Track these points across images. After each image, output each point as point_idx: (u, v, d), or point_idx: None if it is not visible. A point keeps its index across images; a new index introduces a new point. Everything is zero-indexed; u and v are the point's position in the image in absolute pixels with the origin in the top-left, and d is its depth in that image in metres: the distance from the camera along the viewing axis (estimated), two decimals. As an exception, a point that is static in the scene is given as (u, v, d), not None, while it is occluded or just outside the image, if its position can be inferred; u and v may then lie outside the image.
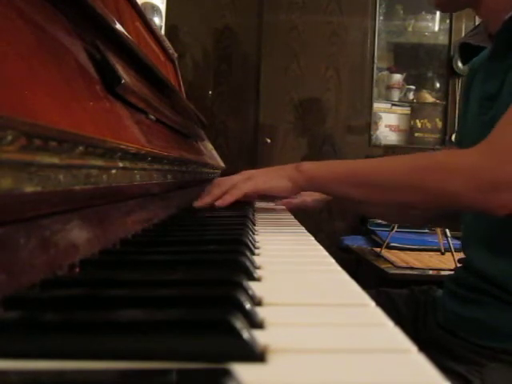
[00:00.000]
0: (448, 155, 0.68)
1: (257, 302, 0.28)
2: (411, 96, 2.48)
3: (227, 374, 0.17)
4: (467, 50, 0.85)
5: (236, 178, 0.78)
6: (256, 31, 2.35)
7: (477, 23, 0.84)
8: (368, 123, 2.39)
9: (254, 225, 0.67)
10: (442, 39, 2.46)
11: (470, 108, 0.82)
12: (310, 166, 0.74)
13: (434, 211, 0.90)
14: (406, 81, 2.48)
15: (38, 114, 0.28)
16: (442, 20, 2.47)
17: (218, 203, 0.76)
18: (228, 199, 0.76)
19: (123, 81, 0.48)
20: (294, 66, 2.35)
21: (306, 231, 0.66)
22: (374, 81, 2.39)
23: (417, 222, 1.02)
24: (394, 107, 2.45)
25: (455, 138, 0.96)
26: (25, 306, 0.25)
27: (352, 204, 0.84)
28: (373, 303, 0.29)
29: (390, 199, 0.70)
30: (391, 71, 2.46)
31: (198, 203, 0.79)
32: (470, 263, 0.76)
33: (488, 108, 0.73)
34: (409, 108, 2.46)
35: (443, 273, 1.37)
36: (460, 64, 2.35)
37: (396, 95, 2.44)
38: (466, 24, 2.37)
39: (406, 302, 0.88)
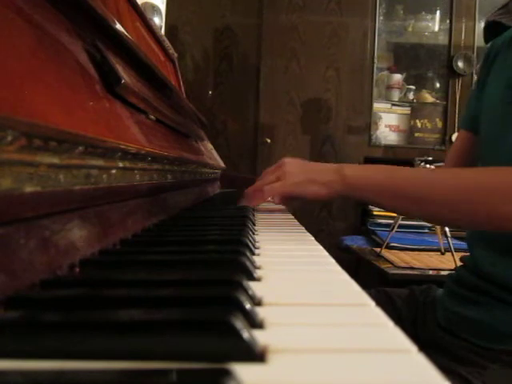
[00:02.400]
0: (495, 174, 0.62)
1: (257, 302, 0.28)
2: (411, 96, 2.48)
3: (227, 374, 0.17)
4: (492, 29, 0.82)
5: (268, 177, 0.76)
6: (256, 31, 2.35)
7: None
8: (368, 123, 2.40)
9: (254, 225, 0.67)
10: (442, 39, 2.47)
11: (490, 94, 0.78)
12: (352, 172, 0.69)
13: None
14: (406, 81, 2.48)
15: (37, 113, 0.28)
16: (442, 20, 2.48)
17: (246, 203, 0.77)
18: (255, 201, 0.77)
19: (123, 81, 0.48)
20: (294, 65, 2.35)
21: (305, 231, 0.66)
22: (374, 81, 2.40)
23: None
24: (393, 107, 2.45)
25: (463, 122, 0.92)
26: (25, 306, 0.25)
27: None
28: (373, 303, 0.29)
29: (436, 216, 0.66)
30: (391, 71, 2.46)
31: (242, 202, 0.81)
32: (476, 263, 0.74)
33: None
34: (409, 108, 2.46)
35: (443, 273, 1.37)
36: (460, 63, 2.35)
37: (396, 95, 2.45)
38: (466, 24, 2.37)
39: (406, 302, 0.88)
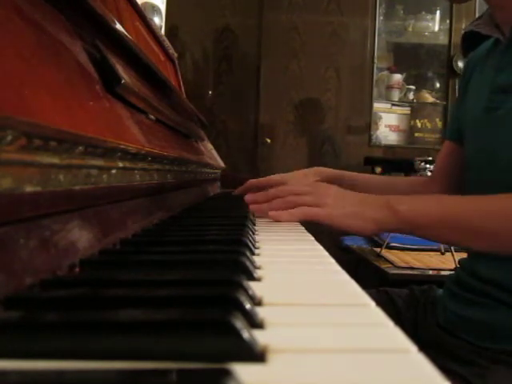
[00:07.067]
0: None
1: (257, 302, 0.28)
2: (411, 96, 2.48)
3: (227, 374, 0.17)
4: (469, 41, 0.83)
5: (304, 197, 0.67)
6: (256, 31, 2.35)
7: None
8: (368, 123, 2.40)
9: (254, 225, 0.67)
10: (442, 39, 2.47)
11: (472, 104, 0.79)
12: (406, 207, 0.63)
13: None
14: (406, 81, 2.48)
15: (37, 113, 0.28)
16: (442, 20, 2.48)
17: (272, 215, 0.66)
18: (284, 217, 0.65)
19: (123, 81, 0.48)
20: (294, 65, 2.35)
21: (305, 231, 0.66)
22: (374, 81, 2.40)
23: None
24: (394, 107, 2.45)
25: (448, 134, 0.93)
26: (25, 306, 0.25)
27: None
28: (373, 303, 0.29)
29: None
30: (391, 71, 2.46)
31: (253, 207, 0.71)
32: (473, 266, 0.74)
33: (501, 102, 0.69)
34: (409, 108, 2.46)
35: (443, 273, 1.37)
36: (460, 63, 2.35)
37: (396, 95, 2.45)
38: (466, 24, 2.37)
39: (406, 302, 0.88)
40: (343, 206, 0.65)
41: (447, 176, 0.92)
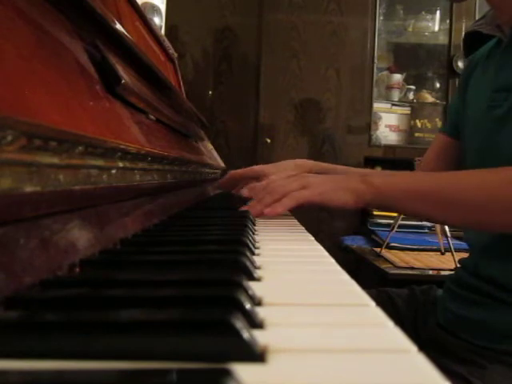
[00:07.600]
0: None
1: (257, 302, 0.28)
2: (411, 96, 2.48)
3: (227, 374, 0.17)
4: (472, 42, 0.84)
5: (290, 185, 0.69)
6: (256, 31, 2.35)
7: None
8: (368, 123, 2.39)
9: (254, 225, 0.67)
10: (442, 39, 2.46)
11: (473, 102, 0.80)
12: (379, 180, 0.66)
13: None
14: (406, 81, 2.48)
15: (37, 113, 0.28)
16: (442, 20, 2.47)
17: (267, 212, 0.68)
18: (278, 209, 0.67)
19: (123, 81, 0.48)
20: (294, 65, 2.35)
21: (305, 231, 0.67)
22: (374, 81, 2.39)
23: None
24: (394, 107, 2.45)
25: (446, 128, 0.94)
26: (25, 306, 0.25)
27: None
28: (373, 303, 0.29)
29: (481, 221, 0.62)
30: (391, 71, 2.46)
31: (253, 214, 0.72)
32: (475, 266, 0.74)
33: (503, 100, 0.70)
34: (409, 108, 2.46)
35: (443, 273, 1.37)
36: (460, 63, 2.35)
37: (396, 95, 2.44)
38: (466, 24, 2.37)
39: (406, 302, 0.88)
40: (325, 182, 0.68)
41: (439, 168, 0.92)
